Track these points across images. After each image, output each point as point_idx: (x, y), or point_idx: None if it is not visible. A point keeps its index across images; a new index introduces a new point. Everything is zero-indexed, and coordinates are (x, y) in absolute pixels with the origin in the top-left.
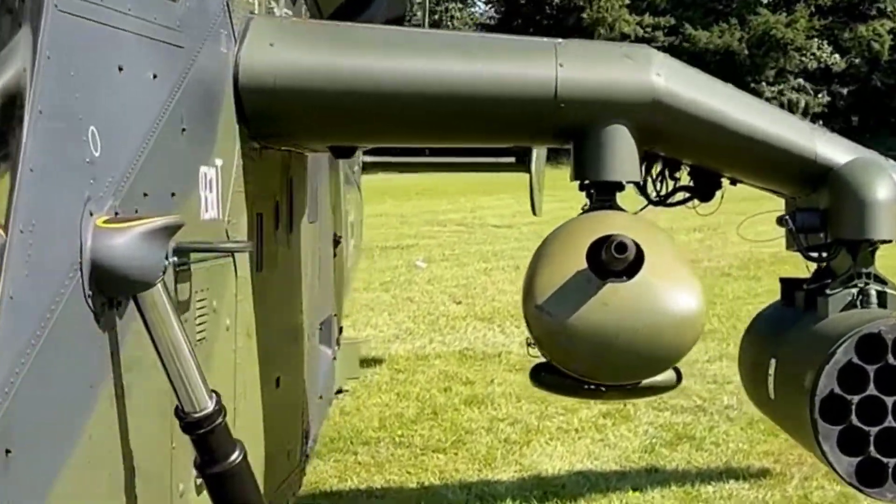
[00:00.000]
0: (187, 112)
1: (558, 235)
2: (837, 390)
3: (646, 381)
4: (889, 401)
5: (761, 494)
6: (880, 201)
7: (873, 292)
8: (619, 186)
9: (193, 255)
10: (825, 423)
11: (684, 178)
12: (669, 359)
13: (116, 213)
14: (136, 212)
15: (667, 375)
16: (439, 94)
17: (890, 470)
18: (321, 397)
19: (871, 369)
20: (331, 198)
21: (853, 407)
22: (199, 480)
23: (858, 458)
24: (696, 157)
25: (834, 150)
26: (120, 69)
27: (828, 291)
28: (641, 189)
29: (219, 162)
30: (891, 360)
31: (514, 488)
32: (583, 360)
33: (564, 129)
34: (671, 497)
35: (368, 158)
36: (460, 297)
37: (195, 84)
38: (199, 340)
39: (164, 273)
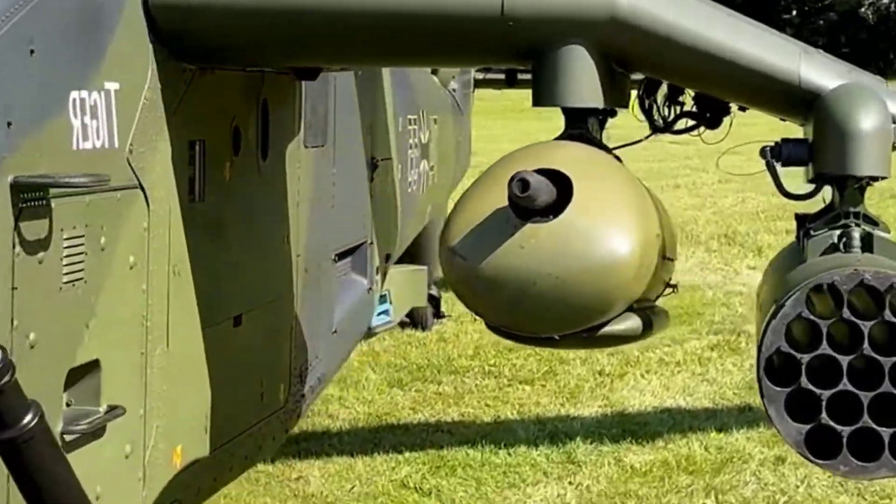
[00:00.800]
0: (40, 32)
1: (491, 169)
2: (785, 347)
3: (606, 330)
4: (844, 361)
5: None
6: (865, 132)
7: (856, 234)
8: (590, 113)
9: (64, 189)
10: (771, 384)
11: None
12: (595, 309)
13: None
14: None
15: (629, 323)
16: (381, 10)
17: (844, 439)
18: (335, 332)
19: (823, 325)
20: (366, 118)
21: (803, 367)
22: None
23: (809, 426)
24: (668, 80)
25: (822, 74)
26: None
27: (811, 232)
28: (647, 115)
29: (112, 86)
30: (846, 314)
31: (591, 425)
32: (498, 309)
33: (517, 50)
34: (755, 440)
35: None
36: None
37: (55, 1)
38: (69, 283)
39: None
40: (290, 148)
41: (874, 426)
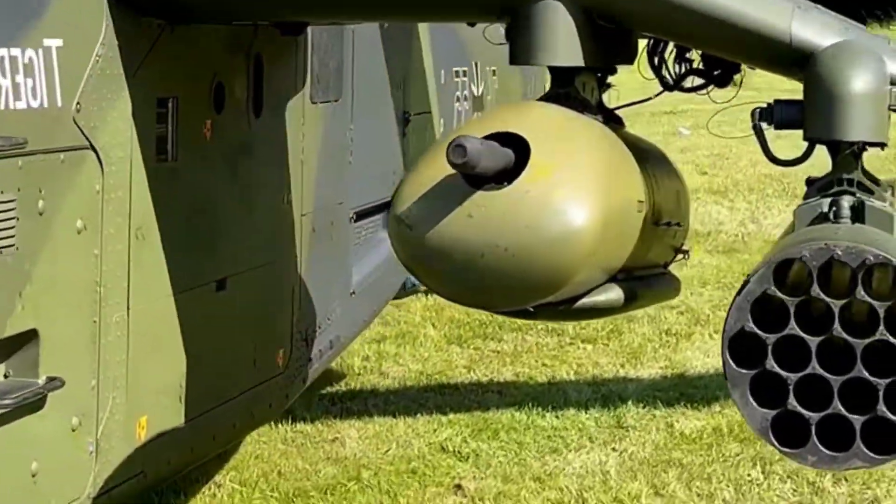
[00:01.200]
0: None
1: (452, 131)
2: (750, 327)
3: (584, 302)
4: (813, 342)
5: None
6: (857, 94)
7: (845, 203)
8: (576, 71)
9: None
10: (735, 366)
11: None
12: (548, 284)
13: None
14: None
15: (610, 295)
16: None
17: (813, 427)
18: (354, 293)
19: (791, 303)
20: (396, 72)
21: (769, 348)
22: None
23: (775, 411)
24: (654, 34)
25: (815, 31)
26: None
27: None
28: (656, 73)
29: (53, 43)
30: (816, 292)
31: (647, 388)
32: (444, 282)
33: (492, 5)
34: None
35: None
36: (706, 168)
37: None
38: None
39: None
40: (291, 104)
41: (845, 413)
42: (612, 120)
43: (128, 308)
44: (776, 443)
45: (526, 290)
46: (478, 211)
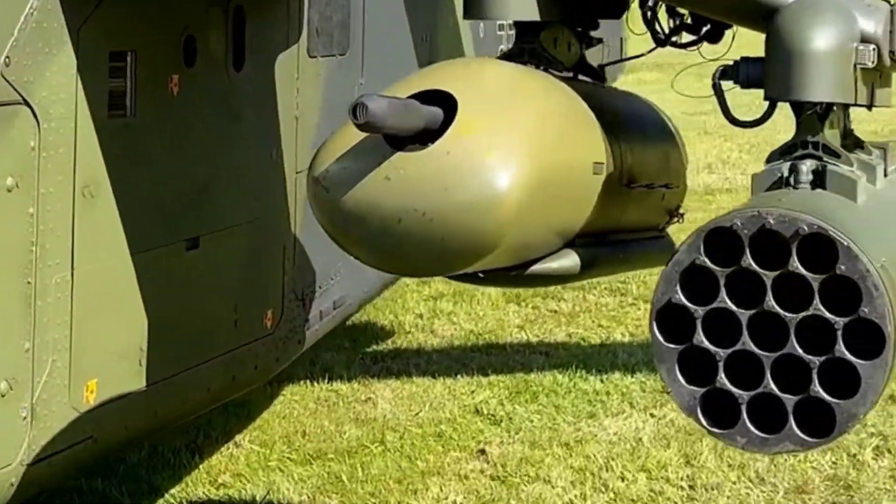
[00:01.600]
0: None
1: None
2: (678, 299)
3: (536, 268)
4: (744, 315)
5: None
6: (818, 51)
7: (804, 168)
8: (540, 26)
9: None
10: (663, 340)
11: None
12: (469, 250)
13: None
14: None
15: (564, 262)
16: None
17: (743, 406)
18: None
19: (721, 274)
20: (420, 24)
21: (699, 322)
22: None
23: (704, 389)
24: None
25: None
26: None
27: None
28: (649, 28)
29: None
30: (748, 262)
31: None
32: (363, 247)
33: None
34: None
35: None
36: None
37: None
38: None
39: None
40: (282, 58)
41: (777, 392)
42: (595, 77)
43: (72, 269)
44: (704, 422)
45: (446, 258)
46: (395, 173)
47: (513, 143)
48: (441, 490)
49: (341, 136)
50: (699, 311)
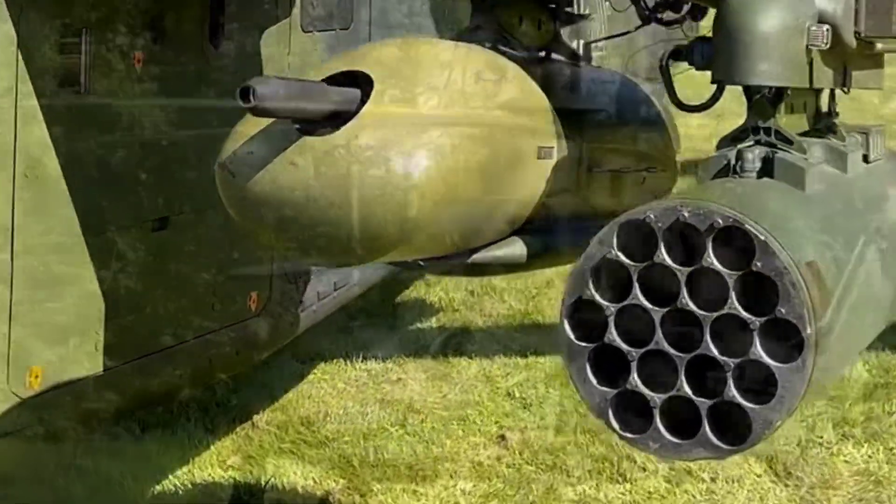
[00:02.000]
0: None
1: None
2: (590, 294)
3: (480, 256)
4: (657, 313)
5: None
6: (764, 32)
7: (750, 156)
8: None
9: None
10: (573, 338)
11: None
12: (379, 240)
13: None
14: None
15: (509, 249)
16: None
17: (656, 410)
18: None
19: (634, 269)
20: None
21: (611, 319)
22: None
23: (615, 390)
24: None
25: None
26: None
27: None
28: (635, 3)
29: None
30: (661, 258)
31: None
32: (271, 235)
33: None
34: None
35: None
36: None
37: None
38: None
39: None
40: (269, 32)
41: (690, 395)
42: (573, 57)
43: (11, 251)
44: (616, 426)
45: (357, 248)
46: (301, 159)
47: (428, 127)
48: (451, 478)
49: (252, 120)
50: (611, 308)
